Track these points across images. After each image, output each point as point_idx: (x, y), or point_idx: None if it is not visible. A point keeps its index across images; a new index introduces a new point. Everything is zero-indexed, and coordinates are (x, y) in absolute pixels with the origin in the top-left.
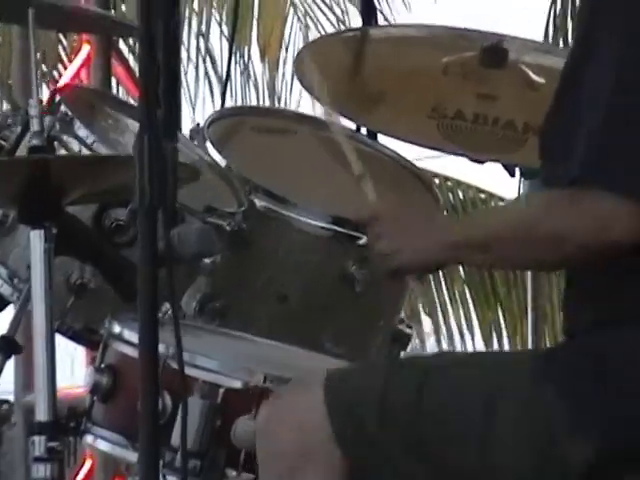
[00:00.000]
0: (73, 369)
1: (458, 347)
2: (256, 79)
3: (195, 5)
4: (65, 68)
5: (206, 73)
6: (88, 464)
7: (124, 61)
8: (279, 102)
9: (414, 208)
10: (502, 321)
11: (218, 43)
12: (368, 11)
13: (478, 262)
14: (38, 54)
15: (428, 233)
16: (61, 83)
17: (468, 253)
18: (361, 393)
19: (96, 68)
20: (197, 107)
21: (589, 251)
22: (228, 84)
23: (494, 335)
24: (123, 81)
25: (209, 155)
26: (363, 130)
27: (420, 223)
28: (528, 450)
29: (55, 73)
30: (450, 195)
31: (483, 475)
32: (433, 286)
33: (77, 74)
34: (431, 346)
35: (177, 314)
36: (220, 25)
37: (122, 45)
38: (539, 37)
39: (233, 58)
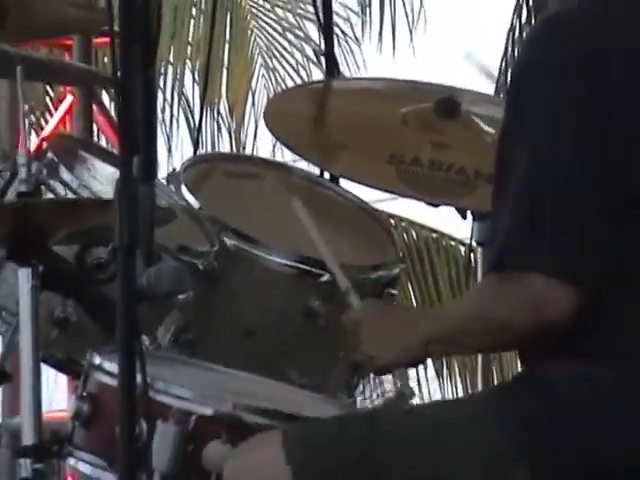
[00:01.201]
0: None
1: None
2: (229, 127)
3: (171, 57)
4: (52, 116)
5: (185, 118)
6: None
7: (105, 110)
8: (244, 150)
9: (391, 310)
10: (456, 367)
11: (191, 91)
12: (331, 66)
13: (446, 352)
14: (26, 105)
15: (404, 333)
16: (47, 131)
17: (435, 347)
18: (315, 449)
19: (78, 117)
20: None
21: (529, 332)
22: (201, 132)
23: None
24: (104, 129)
25: (184, 198)
26: (326, 174)
27: (397, 325)
28: (475, 475)
29: (43, 121)
30: (405, 235)
31: None
32: None
33: (61, 122)
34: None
35: (141, 346)
36: (193, 74)
37: (105, 94)
38: (490, 90)
39: (206, 109)
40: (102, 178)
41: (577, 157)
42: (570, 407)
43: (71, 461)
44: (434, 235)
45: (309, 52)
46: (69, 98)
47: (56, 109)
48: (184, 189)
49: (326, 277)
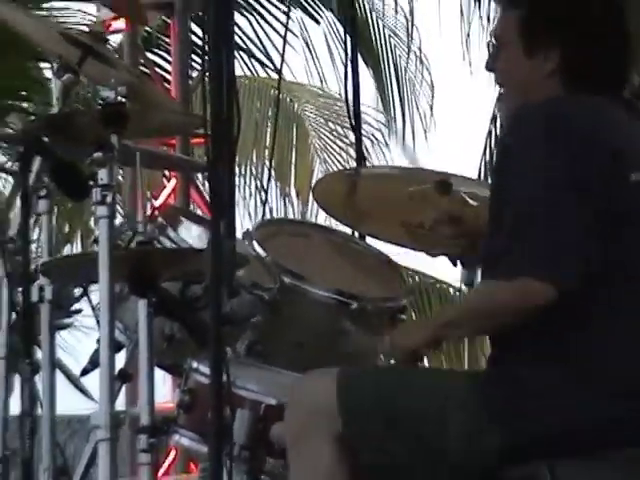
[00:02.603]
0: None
1: None
2: (292, 202)
3: (254, 158)
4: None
5: (262, 203)
6: (173, 453)
7: (198, 189)
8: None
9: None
10: (444, 364)
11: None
12: (360, 160)
13: (456, 335)
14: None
15: (421, 324)
16: (158, 203)
17: (448, 330)
18: (361, 385)
19: (180, 193)
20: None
21: (519, 313)
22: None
23: None
24: (198, 203)
25: (255, 249)
26: (356, 234)
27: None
28: (464, 437)
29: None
30: (410, 279)
31: (436, 448)
32: None
33: (168, 197)
34: None
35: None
36: (270, 170)
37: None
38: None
39: (277, 191)
40: (197, 236)
41: (559, 192)
42: (531, 395)
43: (175, 437)
44: (431, 280)
45: (352, 152)
46: (173, 180)
47: (164, 188)
48: (255, 243)
49: (355, 305)
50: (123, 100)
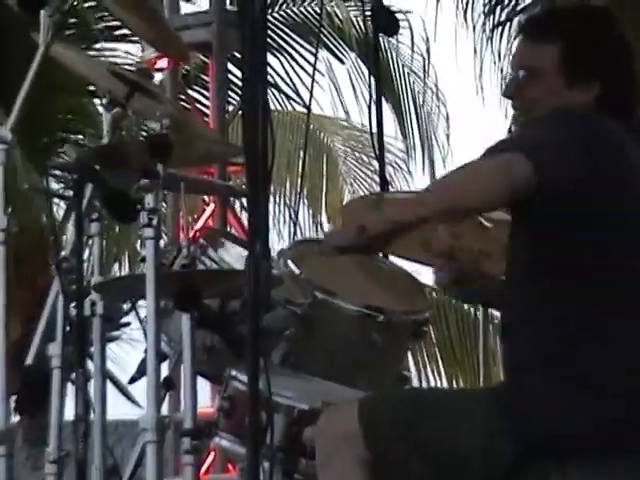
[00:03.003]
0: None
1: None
2: (322, 227)
3: (287, 186)
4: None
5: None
6: (213, 454)
7: (235, 214)
8: None
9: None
10: (459, 373)
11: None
12: (383, 184)
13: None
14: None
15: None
16: (198, 225)
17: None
18: (381, 411)
19: (218, 216)
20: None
21: (500, 185)
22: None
23: (454, 384)
24: (234, 226)
25: (289, 267)
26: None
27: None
28: (479, 444)
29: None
30: (429, 295)
31: (455, 461)
32: (417, 348)
33: (207, 220)
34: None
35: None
36: (300, 195)
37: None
38: None
39: (309, 218)
40: (235, 256)
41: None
42: (532, 398)
43: (216, 439)
44: (447, 295)
45: (376, 179)
46: (211, 205)
47: (204, 211)
48: (289, 262)
49: (381, 318)
50: (167, 131)
